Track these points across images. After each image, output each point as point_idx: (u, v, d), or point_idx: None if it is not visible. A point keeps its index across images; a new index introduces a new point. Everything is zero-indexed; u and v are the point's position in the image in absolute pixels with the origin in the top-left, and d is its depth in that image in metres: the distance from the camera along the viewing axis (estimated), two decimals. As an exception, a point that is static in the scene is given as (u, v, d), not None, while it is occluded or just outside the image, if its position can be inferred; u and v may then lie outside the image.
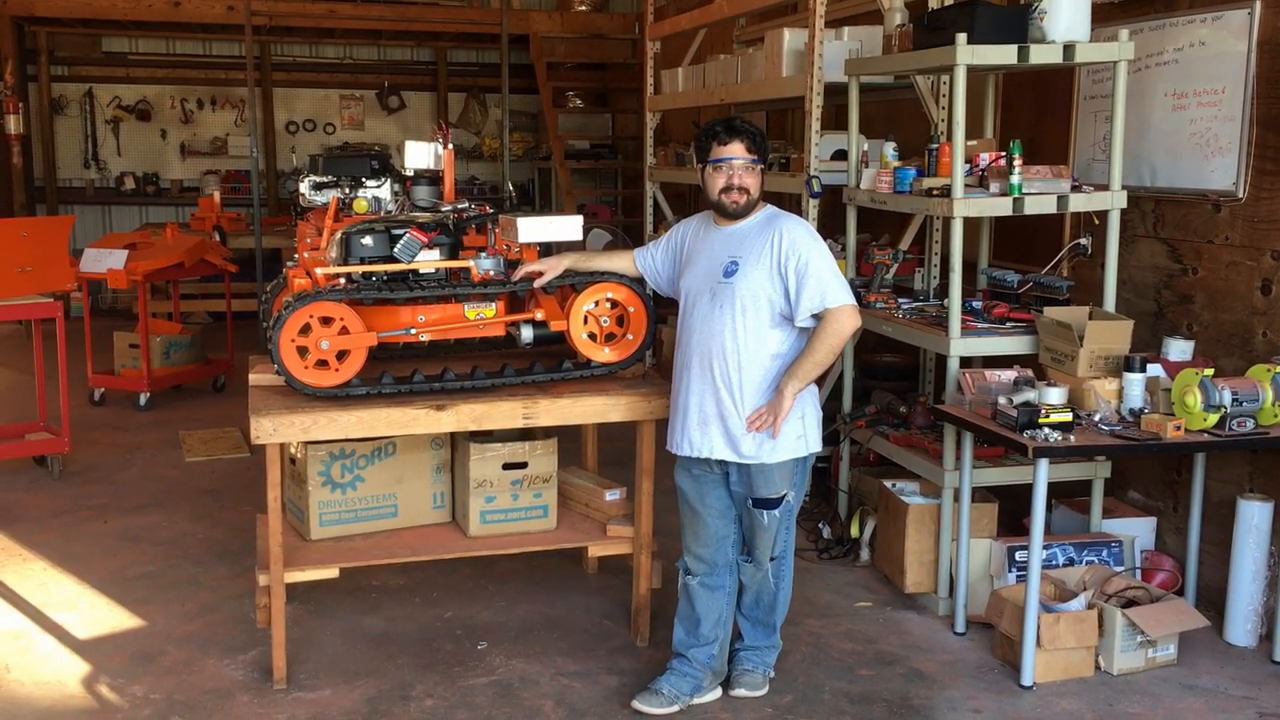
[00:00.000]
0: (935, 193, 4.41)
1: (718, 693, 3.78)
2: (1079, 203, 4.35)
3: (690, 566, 3.79)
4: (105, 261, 7.30)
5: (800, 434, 3.63)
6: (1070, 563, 4.27)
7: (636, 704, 3.68)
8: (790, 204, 7.33)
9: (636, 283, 4.01)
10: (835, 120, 5.90)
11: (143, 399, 7.59)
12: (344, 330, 3.70)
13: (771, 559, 3.75)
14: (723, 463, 3.66)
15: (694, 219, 3.85)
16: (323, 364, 3.71)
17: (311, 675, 3.91)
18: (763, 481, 3.62)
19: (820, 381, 5.57)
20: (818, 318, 3.54)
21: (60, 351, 6.05)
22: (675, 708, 3.67)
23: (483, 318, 3.95)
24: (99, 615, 4.41)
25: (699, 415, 3.63)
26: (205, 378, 8.21)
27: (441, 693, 3.81)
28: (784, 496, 3.65)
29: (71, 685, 3.85)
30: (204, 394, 8.12)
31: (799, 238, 3.54)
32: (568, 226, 3.96)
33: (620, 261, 4.01)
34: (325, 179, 4.42)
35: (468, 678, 3.91)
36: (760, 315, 3.55)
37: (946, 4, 5.13)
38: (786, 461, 3.62)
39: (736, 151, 3.55)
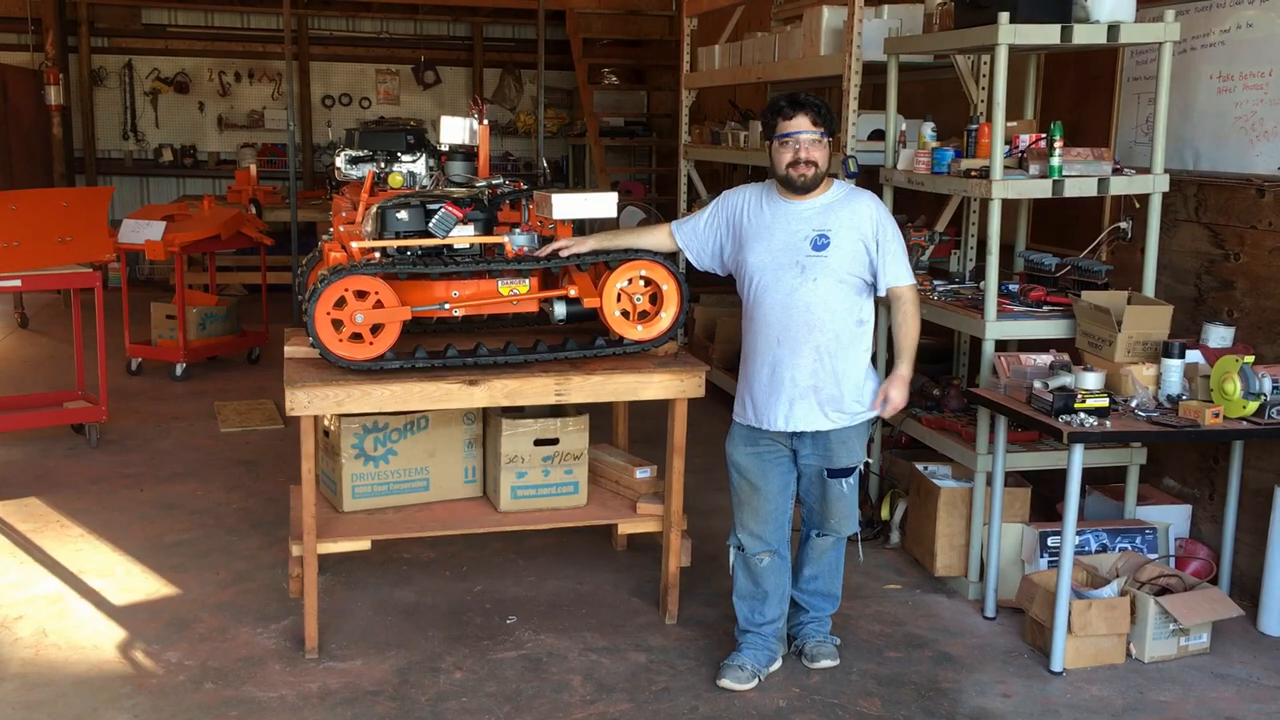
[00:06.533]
0: (974, 174, 4.36)
1: (779, 663, 3.82)
2: (1120, 186, 4.29)
3: (746, 544, 3.77)
4: (143, 233, 7.36)
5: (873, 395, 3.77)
6: (1103, 549, 4.24)
7: (726, 682, 3.68)
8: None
9: (670, 260, 3.99)
10: (873, 100, 5.85)
11: (179, 369, 7.66)
12: (378, 304, 3.72)
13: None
14: (793, 436, 3.67)
15: (746, 191, 3.78)
16: (357, 337, 3.73)
17: (343, 645, 3.95)
18: (843, 450, 3.68)
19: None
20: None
21: (98, 321, 6.12)
22: (756, 681, 3.71)
23: (516, 293, 3.95)
24: (134, 582, 4.47)
25: (795, 390, 3.62)
26: (240, 349, 8.29)
27: (471, 665, 3.84)
28: (857, 465, 3.73)
29: (107, 650, 3.91)
30: (239, 365, 8.20)
31: (884, 214, 3.69)
32: (602, 203, 3.96)
33: (652, 238, 3.97)
34: (361, 153, 4.44)
35: (497, 651, 3.94)
36: (852, 286, 3.63)
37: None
38: (864, 425, 3.72)
39: (802, 125, 3.56)
